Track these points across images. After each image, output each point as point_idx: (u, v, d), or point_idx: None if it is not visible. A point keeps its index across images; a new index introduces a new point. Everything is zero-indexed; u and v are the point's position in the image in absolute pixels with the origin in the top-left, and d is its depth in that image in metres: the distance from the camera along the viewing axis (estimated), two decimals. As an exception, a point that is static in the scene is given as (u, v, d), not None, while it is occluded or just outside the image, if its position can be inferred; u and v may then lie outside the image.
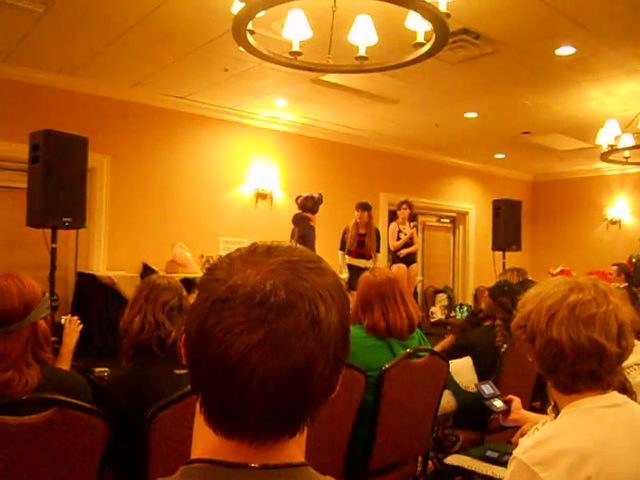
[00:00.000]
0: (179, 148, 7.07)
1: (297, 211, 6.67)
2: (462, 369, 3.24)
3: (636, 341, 1.38)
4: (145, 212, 6.74)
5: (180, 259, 6.48)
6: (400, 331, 2.67)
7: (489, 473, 2.59)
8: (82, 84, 6.24)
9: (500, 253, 7.38)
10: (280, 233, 6.69)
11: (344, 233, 7.04)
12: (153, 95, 6.71)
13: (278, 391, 0.67)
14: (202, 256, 6.96)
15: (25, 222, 4.41)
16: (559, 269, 8.03)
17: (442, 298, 9.93)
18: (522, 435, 1.74)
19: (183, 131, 7.08)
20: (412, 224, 7.55)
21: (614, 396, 1.32)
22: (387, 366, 2.49)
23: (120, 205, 6.59)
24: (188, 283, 4.76)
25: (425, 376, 2.70)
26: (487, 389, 2.28)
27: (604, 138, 6.01)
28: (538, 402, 3.47)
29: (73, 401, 1.70)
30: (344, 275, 6.75)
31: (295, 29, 3.27)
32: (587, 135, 7.52)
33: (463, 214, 10.67)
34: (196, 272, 6.33)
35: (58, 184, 4.29)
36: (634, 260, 9.03)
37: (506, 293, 3.44)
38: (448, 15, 2.83)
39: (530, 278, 5.05)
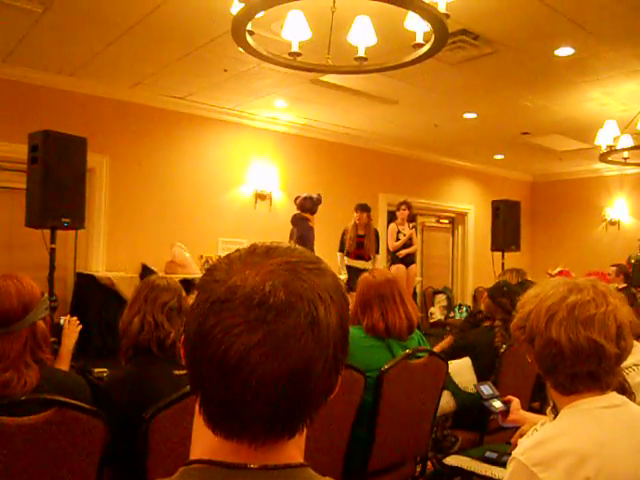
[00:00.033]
0: (178, 149, 7.07)
1: (296, 212, 6.67)
2: (461, 370, 3.24)
3: (635, 342, 1.38)
4: (144, 212, 6.74)
5: (179, 259, 6.48)
6: (399, 332, 2.67)
7: (488, 474, 2.59)
8: (81, 84, 6.24)
9: (499, 254, 7.38)
10: (279, 234, 6.69)
11: (343, 234, 7.04)
12: (152, 95, 6.71)
13: (277, 392, 0.67)
14: (201, 256, 6.96)
15: (24, 222, 4.41)
16: (558, 270, 8.02)
17: (441, 299, 9.93)
18: (521, 436, 1.74)
19: (182, 131, 7.08)
20: (411, 225, 7.55)
21: (613, 397, 1.32)
22: (386, 367, 2.49)
23: (119, 205, 6.59)
24: (187, 284, 4.77)
25: (424, 377, 2.70)
26: (486, 390, 2.29)
27: (603, 139, 6.01)
28: (537, 403, 3.47)
29: (72, 402, 1.69)
30: (343, 276, 6.75)
31: (294, 30, 3.27)
32: (586, 136, 7.53)
33: (462, 215, 10.68)
34: (195, 273, 6.33)
35: (57, 184, 4.29)
36: (633, 261, 9.03)
37: (505, 294, 3.44)
38: (447, 16, 2.83)
39: (529, 279, 5.05)
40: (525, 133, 8.16)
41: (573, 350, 1.28)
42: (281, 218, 7.36)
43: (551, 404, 1.45)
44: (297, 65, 3.44)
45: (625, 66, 5.50)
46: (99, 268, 6.39)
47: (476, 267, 10.41)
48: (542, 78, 5.92)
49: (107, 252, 6.52)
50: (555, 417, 1.37)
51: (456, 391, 3.16)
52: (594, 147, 6.66)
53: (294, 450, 0.73)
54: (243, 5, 2.80)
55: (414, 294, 8.45)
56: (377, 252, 7.05)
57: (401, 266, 7.28)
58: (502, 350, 3.21)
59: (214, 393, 0.69)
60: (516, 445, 1.42)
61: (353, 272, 6.61)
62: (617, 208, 10.46)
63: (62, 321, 2.77)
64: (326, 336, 0.69)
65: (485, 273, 8.44)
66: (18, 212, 4.75)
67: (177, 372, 2.06)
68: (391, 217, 8.35)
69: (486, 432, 3.19)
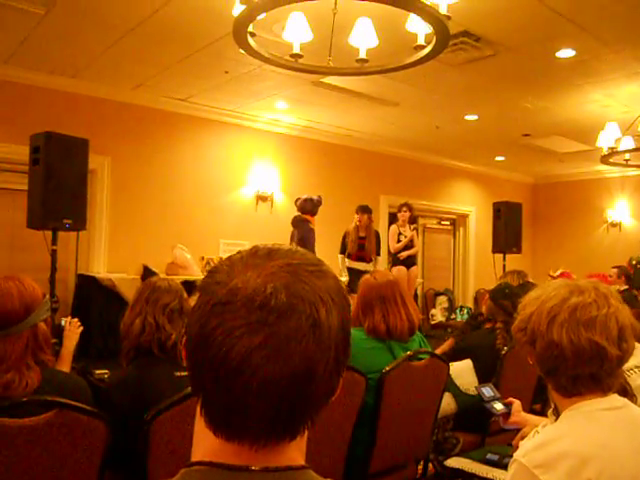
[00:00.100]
0: (180, 150, 7.07)
1: (296, 213, 6.67)
2: (462, 372, 3.24)
3: (637, 344, 1.38)
4: (146, 214, 6.75)
5: (180, 261, 6.48)
6: (400, 333, 2.67)
7: (489, 476, 2.58)
8: (83, 86, 6.24)
9: (500, 255, 7.37)
10: (280, 235, 6.69)
11: (344, 237, 7.04)
12: (154, 97, 6.71)
13: (279, 394, 0.67)
14: (202, 258, 6.96)
15: (25, 224, 4.41)
16: (559, 272, 8.02)
17: (442, 300, 9.92)
18: (522, 438, 1.74)
19: (184, 133, 7.09)
20: (412, 226, 7.55)
21: (614, 399, 1.32)
22: (387, 368, 2.49)
23: (121, 207, 6.59)
24: (189, 285, 4.78)
25: (425, 378, 2.70)
26: (487, 392, 2.28)
27: (604, 141, 6.01)
28: (538, 405, 3.46)
29: (73, 403, 1.70)
30: (344, 278, 6.75)
31: (296, 31, 3.27)
32: (587, 138, 7.52)
33: (463, 216, 10.67)
34: (196, 274, 6.33)
35: (59, 186, 4.29)
36: (634, 262, 9.03)
37: (507, 296, 3.44)
38: (449, 17, 2.83)
39: (530, 280, 5.05)
40: (526, 135, 8.16)
41: (574, 352, 1.28)
42: (282, 220, 7.36)
43: (552, 406, 1.45)
44: (298, 67, 3.44)
45: (626, 68, 5.50)
46: (100, 269, 6.39)
47: (477, 269, 10.40)
48: (543, 80, 5.92)
49: (108, 253, 6.52)
50: (556, 419, 1.37)
51: (457, 393, 3.16)
52: (595, 149, 6.67)
53: (295, 452, 0.73)
54: (245, 7, 2.81)
55: (415, 296, 8.45)
56: (378, 254, 7.06)
57: (402, 268, 7.28)
58: (503, 352, 3.20)
59: (215, 395, 0.69)
60: (517, 447, 1.42)
61: (354, 274, 6.61)
62: (618, 210, 10.45)
63: (63, 322, 2.78)
64: (327, 338, 0.69)
65: (486, 275, 8.43)
66: (19, 213, 4.76)
67: (178, 374, 2.06)
68: (392, 219, 8.35)
69: (487, 434, 3.18)
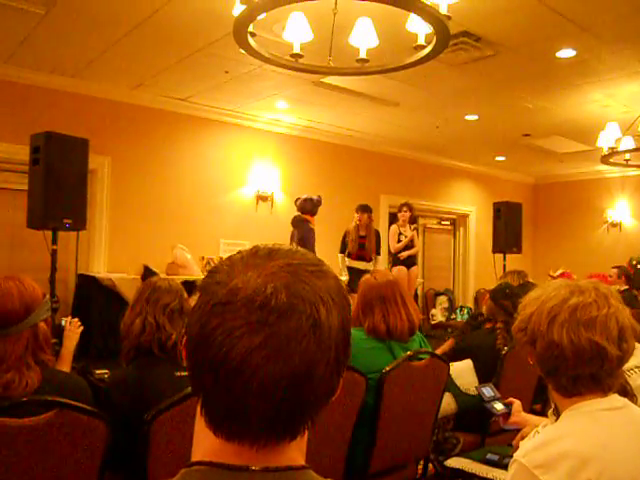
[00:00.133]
0: (180, 150, 7.07)
1: (296, 213, 6.67)
2: (463, 372, 3.24)
3: (637, 344, 1.38)
4: (146, 214, 6.75)
5: (181, 261, 6.48)
6: (401, 333, 2.67)
7: (490, 476, 2.58)
8: (83, 86, 6.24)
9: (501, 255, 7.37)
10: (281, 235, 6.69)
11: (344, 236, 7.04)
12: (154, 97, 6.71)
13: (279, 394, 0.67)
14: (203, 258, 6.96)
15: (26, 224, 4.41)
16: (560, 272, 8.02)
17: (442, 300, 9.92)
18: (523, 438, 1.74)
19: (184, 133, 7.09)
20: (412, 226, 7.55)
21: (615, 399, 1.32)
22: (388, 369, 2.49)
23: (121, 207, 6.59)
24: (189, 285, 4.78)
25: (426, 379, 2.70)
26: (487, 392, 2.28)
27: (605, 141, 6.01)
28: (539, 405, 3.46)
29: (73, 403, 1.69)
30: (344, 277, 6.75)
31: (296, 31, 3.27)
32: (588, 138, 7.52)
33: (464, 216, 10.67)
34: (197, 274, 6.33)
35: (59, 186, 4.29)
36: (634, 263, 9.03)
37: (507, 296, 3.44)
38: (449, 17, 2.83)
39: (531, 281, 5.05)
40: (526, 135, 8.16)
41: (575, 352, 1.28)
42: (282, 220, 7.36)
43: (553, 406, 1.45)
44: (299, 67, 3.44)
45: (627, 68, 5.50)
46: (100, 269, 6.39)
47: (477, 269, 10.40)
48: (543, 80, 5.92)
49: (108, 253, 6.53)
50: (557, 419, 1.37)
51: (457, 393, 3.16)
52: (596, 149, 6.67)
53: (296, 452, 0.73)
54: (245, 7, 2.81)
55: (415, 296, 8.45)
56: (378, 253, 7.06)
57: (402, 268, 7.28)
58: (504, 352, 3.20)
59: (215, 395, 0.69)
60: (518, 447, 1.42)
61: (354, 273, 6.61)
62: (619, 210, 10.44)
63: (63, 322, 2.78)
64: (328, 338, 0.69)
65: (486, 275, 8.43)
66: (20, 213, 4.76)
67: (178, 373, 2.06)
68: (392, 219, 8.35)
69: (487, 434, 3.18)
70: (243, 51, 3.33)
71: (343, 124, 7.96)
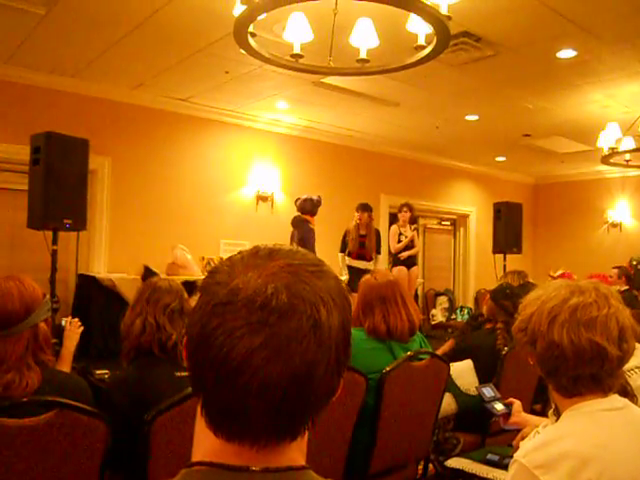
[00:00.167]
0: (180, 150, 7.07)
1: (297, 214, 6.67)
2: (463, 372, 3.24)
3: (637, 344, 1.38)
4: (146, 214, 6.74)
5: (181, 261, 6.48)
6: (401, 334, 2.67)
7: (490, 476, 2.58)
8: (83, 86, 6.24)
9: (501, 256, 7.37)
10: (281, 236, 6.69)
11: (344, 235, 7.04)
12: (154, 97, 6.71)
13: (279, 394, 0.67)
14: (203, 258, 6.96)
15: (26, 224, 4.41)
16: (560, 272, 8.02)
17: (443, 301, 9.92)
18: (523, 438, 1.74)
19: (184, 133, 7.09)
20: (413, 227, 7.55)
21: (615, 399, 1.32)
22: (388, 369, 2.49)
23: (121, 207, 6.59)
24: (189, 285, 4.78)
25: (426, 379, 2.70)
26: (488, 392, 2.28)
27: (605, 141, 6.01)
28: (539, 405, 3.46)
29: (73, 403, 1.69)
30: (344, 277, 6.75)
31: (296, 32, 3.27)
32: (588, 138, 7.52)
33: (464, 217, 10.67)
34: (197, 274, 6.33)
35: (59, 186, 4.29)
36: (635, 263, 9.03)
37: (508, 296, 3.44)
38: (449, 18, 2.83)
39: (531, 281, 5.05)
40: (527, 135, 8.16)
41: (575, 352, 1.28)
42: (283, 220, 7.36)
43: (553, 406, 1.45)
44: (299, 67, 3.44)
45: (627, 68, 5.50)
46: (101, 270, 6.39)
47: (478, 269, 10.40)
48: (544, 80, 5.92)
49: (109, 254, 6.53)
50: (557, 420, 1.37)
51: (458, 393, 3.16)
52: (596, 149, 6.67)
53: (296, 452, 0.73)
54: (245, 7, 2.81)
55: (415, 296, 8.45)
56: (378, 252, 7.05)
57: (403, 268, 7.27)
58: (504, 352, 3.20)
59: (216, 395, 0.69)
60: (518, 448, 1.42)
61: (354, 272, 6.61)
62: (619, 210, 10.44)
63: (64, 323, 2.78)
64: (328, 339, 0.69)
65: (487, 275, 8.43)
66: (20, 213, 4.76)
67: (179, 374, 2.06)
68: (393, 219, 8.35)
69: (488, 434, 3.18)
70: (243, 51, 3.33)
71: (343, 124, 7.96)
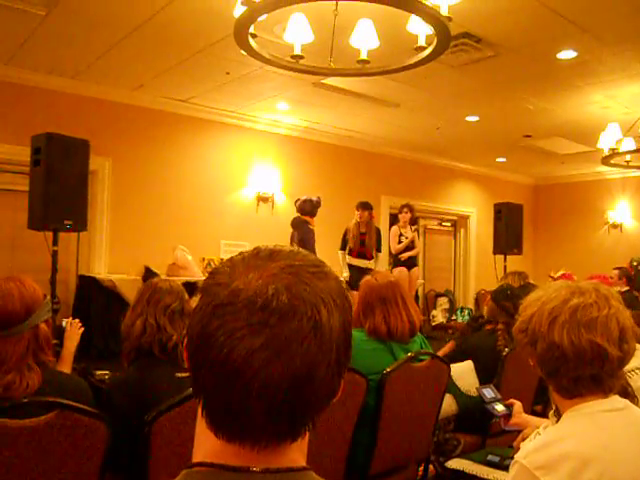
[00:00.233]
0: (180, 151, 7.08)
1: (296, 214, 6.67)
2: (463, 373, 3.24)
3: (638, 345, 1.38)
4: (146, 215, 6.75)
5: (181, 262, 6.48)
6: (401, 335, 2.67)
7: (490, 477, 2.58)
8: (84, 87, 6.25)
9: (501, 257, 7.37)
10: (281, 236, 6.69)
11: (345, 234, 7.03)
12: (155, 98, 6.72)
13: (280, 395, 0.67)
14: (203, 259, 6.97)
15: (26, 225, 4.42)
16: (560, 273, 8.01)
17: (443, 302, 9.91)
18: (524, 439, 1.73)
19: (184, 134, 7.09)
20: (413, 227, 7.55)
21: (616, 400, 1.32)
22: (388, 370, 2.49)
23: (121, 208, 6.60)
24: (189, 286, 4.78)
25: (426, 380, 2.69)
26: (488, 393, 2.28)
27: (605, 142, 6.02)
28: (540, 406, 3.46)
29: (74, 404, 1.69)
30: (345, 274, 6.74)
31: (297, 33, 3.27)
32: (588, 139, 7.52)
33: (464, 217, 10.67)
34: (197, 275, 6.33)
35: (59, 187, 4.30)
36: (635, 264, 9.02)
37: (509, 297, 3.43)
38: (449, 19, 2.83)
39: (531, 282, 5.05)
40: (527, 136, 8.16)
41: (575, 353, 1.28)
42: (283, 221, 7.36)
43: (554, 407, 1.45)
44: (299, 68, 3.44)
45: (628, 69, 5.50)
46: (101, 270, 6.39)
47: (478, 270, 10.40)
48: (544, 81, 5.92)
49: (109, 254, 6.53)
50: (558, 420, 1.37)
51: (458, 394, 3.16)
52: (596, 150, 6.67)
53: (297, 453, 0.73)
54: (246, 8, 2.81)
55: (416, 297, 8.44)
56: (379, 250, 7.04)
57: (403, 269, 7.27)
58: (505, 353, 3.20)
59: (216, 396, 0.69)
60: (518, 448, 1.42)
61: (355, 271, 6.60)
62: (619, 211, 10.44)
63: (64, 323, 2.78)
64: (329, 340, 0.69)
65: (487, 276, 8.43)
66: (20, 214, 4.76)
67: (179, 375, 2.06)
68: (393, 220, 8.35)
69: (488, 435, 3.18)
70: (244, 52, 3.33)
71: (344, 125, 7.96)
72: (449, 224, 10.86)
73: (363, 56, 3.28)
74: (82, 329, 2.79)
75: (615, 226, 10.45)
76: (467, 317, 9.17)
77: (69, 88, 6.18)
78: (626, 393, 1.41)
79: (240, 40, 3.09)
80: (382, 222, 8.75)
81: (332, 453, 2.38)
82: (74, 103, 6.22)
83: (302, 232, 6.47)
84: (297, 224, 6.58)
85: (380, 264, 7.03)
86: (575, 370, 1.29)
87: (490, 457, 2.70)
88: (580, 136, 7.88)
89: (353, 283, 5.80)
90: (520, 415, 2.07)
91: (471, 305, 10.24)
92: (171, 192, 6.96)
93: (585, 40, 4.85)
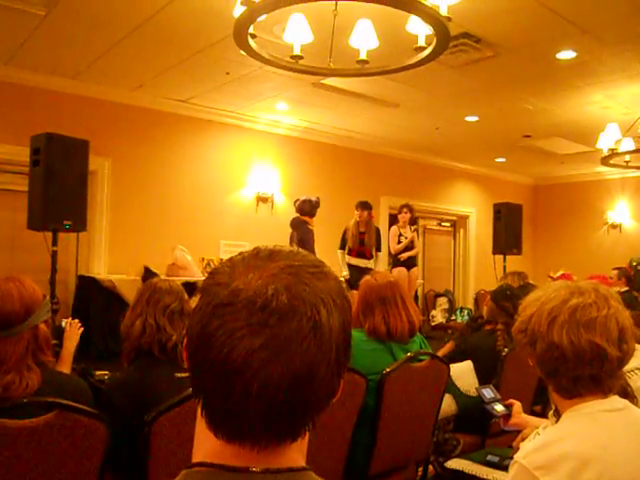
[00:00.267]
0: (180, 151, 7.08)
1: (295, 215, 6.67)
2: (463, 373, 3.23)
3: (637, 345, 1.38)
4: (146, 215, 6.75)
5: (181, 262, 6.48)
6: (401, 335, 2.67)
7: (490, 477, 2.58)
8: (83, 87, 6.25)
9: (501, 257, 7.38)
10: (281, 237, 6.69)
11: (344, 233, 7.03)
12: (154, 98, 6.72)
13: (279, 396, 0.67)
14: (203, 259, 6.97)
15: (26, 225, 4.42)
16: (560, 273, 8.02)
17: (443, 302, 9.92)
18: (523, 439, 1.73)
19: (184, 134, 7.09)
20: (413, 228, 7.55)
21: (615, 400, 1.32)
22: (388, 370, 2.49)
23: (121, 208, 6.60)
24: (189, 286, 4.78)
25: (426, 380, 2.69)
26: (488, 393, 2.28)
27: (605, 142, 6.02)
28: (539, 406, 3.46)
29: (73, 404, 1.69)
30: (345, 273, 6.74)
31: (296, 33, 3.27)
32: (588, 139, 7.53)
33: (464, 218, 10.67)
34: (197, 275, 6.34)
35: (59, 187, 4.30)
36: (634, 264, 9.03)
37: (508, 297, 3.43)
38: (449, 19, 2.83)
39: (531, 282, 5.05)
40: (527, 136, 8.16)
41: (575, 353, 1.28)
42: (283, 221, 7.36)
43: (553, 408, 1.45)
44: (299, 68, 3.44)
45: (627, 69, 5.50)
46: (101, 271, 6.40)
47: (477, 270, 10.40)
48: (544, 81, 5.92)
49: (109, 255, 6.53)
50: (557, 421, 1.37)
51: (458, 394, 3.15)
52: (596, 150, 6.68)
53: (296, 453, 0.73)
54: (245, 8, 2.81)
55: (415, 297, 8.45)
56: (379, 249, 7.04)
57: (403, 269, 7.27)
58: (504, 354, 3.20)
59: (216, 396, 0.69)
60: (518, 449, 1.42)
61: (355, 271, 6.60)
62: (619, 211, 10.45)
63: (64, 324, 2.78)
64: (328, 340, 0.69)
65: (487, 276, 8.43)
66: (20, 214, 4.77)
67: (179, 375, 2.06)
68: (393, 220, 8.35)
69: (488, 435, 3.18)
70: (243, 52, 3.33)
71: (343, 125, 7.97)
72: (448, 224, 10.86)
73: (362, 56, 3.28)
74: (82, 329, 2.79)
75: (614, 226, 10.46)
76: (466, 317, 9.18)
77: (69, 88, 6.19)
78: (626, 393, 1.41)
79: (240, 40, 3.09)
80: (382, 222, 8.76)
81: (332, 453, 2.38)
82: (74, 103, 6.22)
83: (301, 232, 6.47)
84: (296, 224, 6.58)
85: (380, 263, 7.03)
86: (574, 370, 1.29)
87: (489, 457, 2.70)
88: (579, 136, 7.88)
89: (353, 283, 5.80)
90: (519, 415, 2.07)
91: (470, 305, 10.24)
92: (171, 192, 6.96)
93: (585, 40, 4.85)
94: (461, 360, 3.33)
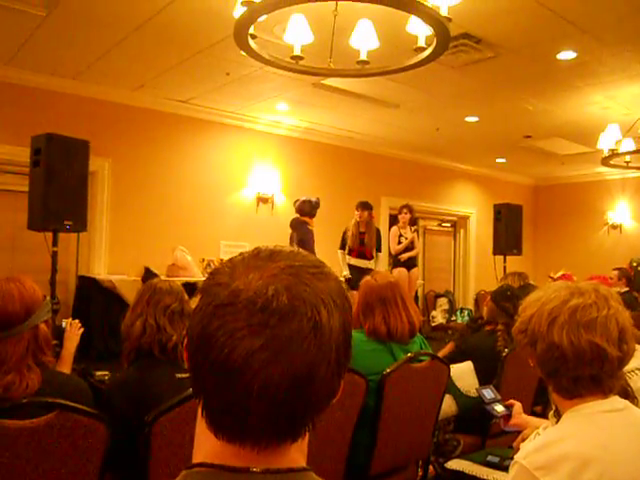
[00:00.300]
0: (180, 152, 7.08)
1: (295, 215, 6.67)
2: (463, 373, 3.23)
3: (637, 345, 1.38)
4: (146, 215, 6.75)
5: (181, 263, 6.48)
6: (401, 335, 2.67)
7: (490, 478, 2.58)
8: (84, 88, 6.25)
9: (501, 257, 7.37)
10: (281, 237, 6.69)
11: (344, 233, 7.03)
12: (155, 99, 6.72)
13: (280, 396, 0.67)
14: (203, 260, 6.96)
15: (26, 225, 4.42)
16: (560, 273, 8.00)
17: (443, 302, 9.92)
18: (523, 440, 1.73)
19: (184, 135, 7.09)
20: (413, 228, 7.55)
21: (615, 401, 1.32)
22: (388, 370, 2.49)
23: (121, 208, 6.60)
24: (189, 287, 4.78)
25: (426, 380, 2.69)
26: (488, 394, 2.28)
27: (605, 142, 6.02)
28: (539, 407, 3.46)
29: (74, 405, 1.69)
30: (345, 272, 6.74)
31: (297, 33, 3.27)
32: (588, 139, 7.53)
33: (464, 218, 10.67)
34: (197, 276, 6.34)
35: (59, 187, 4.30)
36: (635, 264, 9.02)
37: (509, 298, 3.43)
38: (449, 19, 2.83)
39: (531, 282, 5.05)
40: (527, 137, 8.16)
41: (575, 353, 1.28)
42: (283, 221, 7.36)
43: (553, 408, 1.45)
44: (299, 69, 3.44)
45: (627, 70, 5.50)
46: (101, 271, 6.40)
47: (478, 271, 10.40)
48: (544, 82, 5.92)
49: (109, 255, 6.53)
50: (557, 421, 1.37)
51: (458, 395, 3.15)
52: (596, 151, 6.68)
53: (297, 454, 0.73)
54: (245, 9, 2.81)
55: (416, 297, 8.45)
56: (379, 250, 7.04)
57: (403, 269, 7.27)
58: (504, 354, 3.20)
59: (216, 397, 0.69)
60: (518, 449, 1.42)
61: (355, 271, 6.60)
62: (619, 212, 10.45)
63: (64, 324, 2.78)
64: (329, 340, 0.69)
65: (487, 277, 8.43)
66: (20, 215, 4.77)
67: (179, 375, 2.06)
68: (393, 220, 8.35)
69: (488, 436, 3.18)
70: (244, 53, 3.33)
71: (343, 126, 7.97)
72: (449, 225, 10.86)
73: (363, 57, 3.28)
74: (82, 330, 2.79)
75: (615, 227, 10.46)
76: (467, 318, 9.18)
77: (69, 89, 6.19)
78: (626, 394, 1.41)
79: (240, 41, 3.09)
80: (382, 223, 8.76)
81: (332, 454, 2.38)
82: (74, 104, 6.23)
83: (301, 233, 6.47)
84: (296, 225, 6.58)
85: (380, 264, 7.03)
86: (575, 370, 1.29)
87: (490, 458, 2.70)
88: (580, 137, 7.88)
89: (353, 283, 5.79)
90: (520, 416, 2.07)
91: (471, 306, 10.24)
92: (171, 193, 6.96)
93: (585, 41, 4.85)
94: (461, 361, 3.33)
